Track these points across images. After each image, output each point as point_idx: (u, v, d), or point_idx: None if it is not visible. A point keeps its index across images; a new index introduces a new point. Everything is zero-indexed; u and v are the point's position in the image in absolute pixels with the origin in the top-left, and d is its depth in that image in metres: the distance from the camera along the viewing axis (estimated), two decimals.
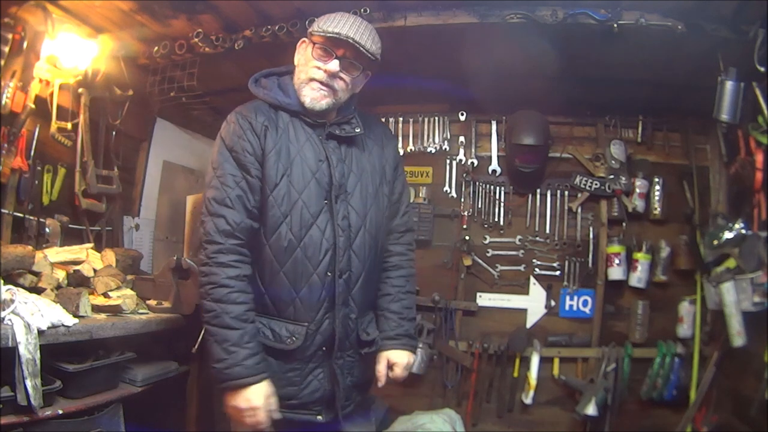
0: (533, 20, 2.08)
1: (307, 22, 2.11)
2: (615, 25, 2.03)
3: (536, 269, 2.98)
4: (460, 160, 3.09)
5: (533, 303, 2.98)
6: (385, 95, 2.90)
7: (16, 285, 1.66)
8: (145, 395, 1.90)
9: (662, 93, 2.67)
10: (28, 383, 1.40)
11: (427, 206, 3.04)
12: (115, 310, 1.85)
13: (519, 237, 3.00)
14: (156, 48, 2.47)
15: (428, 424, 2.67)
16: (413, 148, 3.14)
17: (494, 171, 3.06)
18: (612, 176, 2.87)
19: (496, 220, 3.02)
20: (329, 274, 1.43)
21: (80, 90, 2.32)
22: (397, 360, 1.57)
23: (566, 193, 2.97)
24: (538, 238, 2.99)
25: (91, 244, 2.23)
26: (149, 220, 2.93)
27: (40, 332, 1.45)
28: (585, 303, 2.93)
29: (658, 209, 2.85)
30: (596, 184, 2.90)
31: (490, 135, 3.08)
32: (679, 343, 2.75)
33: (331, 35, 1.41)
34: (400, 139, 3.15)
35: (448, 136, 3.13)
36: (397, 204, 1.66)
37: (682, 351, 2.72)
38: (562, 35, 2.14)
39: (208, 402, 1.83)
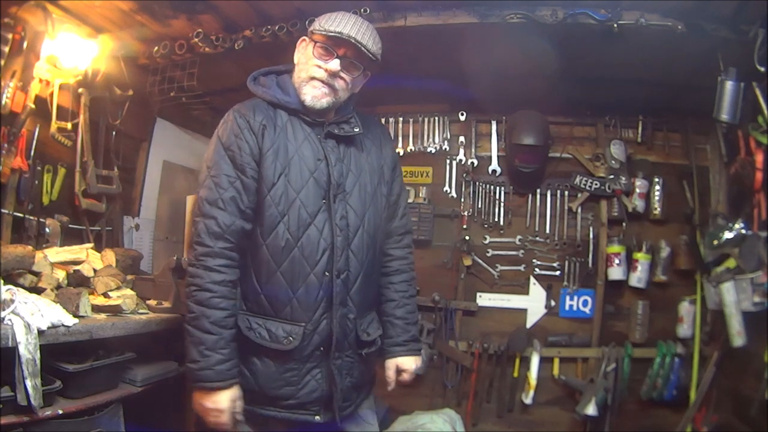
0: (533, 20, 2.08)
1: (307, 22, 2.11)
2: (615, 25, 2.03)
3: (536, 269, 2.98)
4: (460, 160, 3.09)
5: (533, 303, 2.98)
6: (385, 95, 2.91)
7: (16, 285, 1.66)
8: (145, 395, 1.90)
9: (662, 93, 2.68)
10: (28, 383, 1.40)
11: (427, 206, 3.04)
12: (115, 310, 1.85)
13: (519, 237, 3.00)
14: (156, 48, 2.47)
15: (428, 424, 2.67)
16: (413, 148, 3.14)
17: (494, 171, 3.06)
18: (612, 176, 2.87)
19: (496, 220, 3.03)
20: (327, 273, 1.42)
21: (80, 90, 2.32)
22: (406, 366, 1.63)
23: (566, 193, 2.97)
24: (538, 238, 2.99)
25: (91, 244, 2.22)
26: (149, 220, 2.93)
27: (40, 332, 1.45)
28: (585, 303, 2.93)
29: (658, 209, 2.86)
30: (596, 184, 2.90)
31: (490, 135, 3.08)
32: (679, 343, 2.75)
33: (332, 34, 1.40)
34: (400, 139, 3.16)
35: (448, 136, 3.13)
36: (395, 205, 1.66)
37: (682, 351, 2.72)
38: (562, 35, 2.14)
39: None
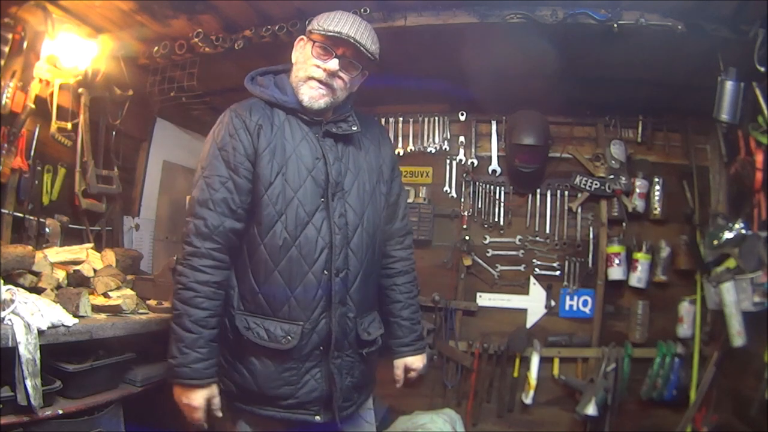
0: (533, 20, 2.08)
1: (306, 22, 2.11)
2: (615, 25, 2.03)
3: (536, 269, 2.98)
4: (460, 160, 3.09)
5: (533, 303, 2.98)
6: (385, 95, 2.91)
7: (16, 285, 1.66)
8: (145, 395, 1.90)
9: (662, 93, 2.68)
10: (28, 383, 1.40)
11: (427, 206, 3.04)
12: (115, 310, 1.85)
13: (519, 237, 3.00)
14: (156, 48, 2.47)
15: (428, 424, 2.67)
16: (413, 148, 3.14)
17: (494, 171, 3.06)
18: (612, 176, 2.87)
19: (496, 220, 3.02)
20: (326, 272, 1.42)
21: (80, 90, 2.32)
22: (415, 365, 1.66)
23: (566, 193, 2.97)
24: (538, 238, 2.99)
25: (91, 244, 2.22)
26: (149, 220, 2.93)
27: (40, 332, 1.45)
28: (585, 303, 2.93)
29: (658, 209, 2.85)
30: (596, 184, 2.90)
31: (490, 135, 3.08)
32: (679, 343, 2.75)
33: (331, 34, 1.40)
34: (400, 139, 3.16)
35: (448, 136, 3.13)
36: (395, 206, 1.66)
37: (682, 351, 2.72)
38: (562, 35, 2.14)
39: None
